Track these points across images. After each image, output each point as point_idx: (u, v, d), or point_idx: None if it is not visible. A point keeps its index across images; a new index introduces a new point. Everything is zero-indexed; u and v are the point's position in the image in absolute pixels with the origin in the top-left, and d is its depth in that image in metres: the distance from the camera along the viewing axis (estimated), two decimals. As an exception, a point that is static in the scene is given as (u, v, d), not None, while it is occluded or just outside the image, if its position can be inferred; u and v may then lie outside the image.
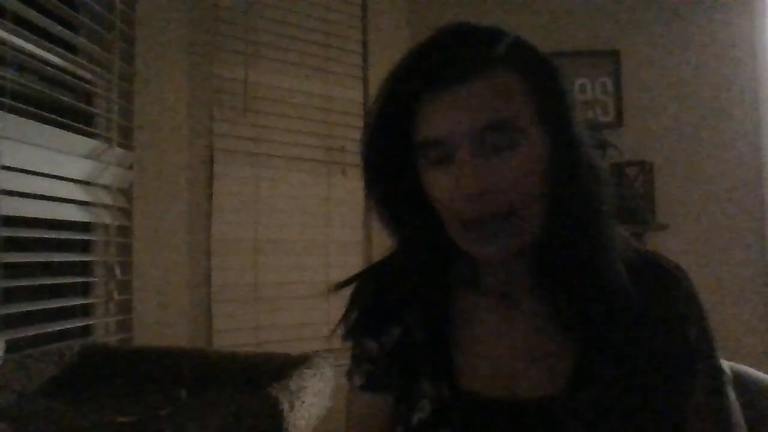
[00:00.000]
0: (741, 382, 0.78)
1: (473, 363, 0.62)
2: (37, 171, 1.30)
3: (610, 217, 0.60)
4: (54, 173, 1.34)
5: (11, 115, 1.21)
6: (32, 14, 1.27)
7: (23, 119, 1.25)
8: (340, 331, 0.71)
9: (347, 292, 0.73)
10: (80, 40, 1.48)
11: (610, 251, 0.59)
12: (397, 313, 0.67)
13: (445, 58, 0.56)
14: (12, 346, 1.19)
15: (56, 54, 1.38)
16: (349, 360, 0.72)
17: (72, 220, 1.43)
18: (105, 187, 1.53)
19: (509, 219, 0.56)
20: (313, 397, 1.07)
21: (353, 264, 2.15)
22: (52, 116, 1.33)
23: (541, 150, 0.57)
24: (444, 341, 0.64)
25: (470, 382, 0.61)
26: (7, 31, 1.22)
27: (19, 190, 1.25)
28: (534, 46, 0.60)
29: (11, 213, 1.22)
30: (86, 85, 1.52)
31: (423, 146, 0.59)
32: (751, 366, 0.83)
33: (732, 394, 0.61)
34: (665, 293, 0.61)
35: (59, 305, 1.37)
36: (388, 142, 0.62)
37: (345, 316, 0.71)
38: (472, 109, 0.55)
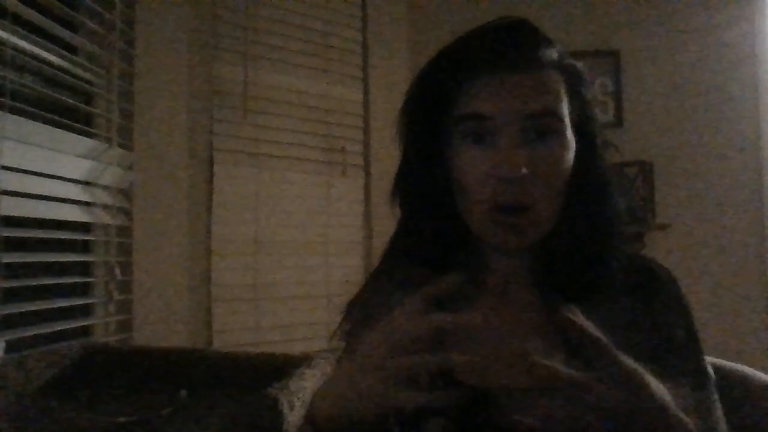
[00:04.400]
0: (740, 382, 0.78)
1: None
2: (37, 171, 1.30)
3: (620, 227, 0.63)
4: (54, 173, 1.34)
5: (11, 115, 1.21)
6: (32, 14, 1.27)
7: (23, 119, 1.25)
8: (338, 333, 0.71)
9: (347, 293, 0.73)
10: (80, 40, 1.48)
11: (612, 260, 0.62)
12: (394, 307, 0.68)
13: (508, 45, 0.58)
14: (12, 346, 1.19)
15: (56, 54, 1.38)
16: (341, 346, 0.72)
17: (72, 220, 1.43)
18: (105, 187, 1.53)
19: (530, 211, 0.58)
20: (313, 397, 1.07)
21: (353, 264, 2.15)
22: (52, 116, 1.33)
23: (571, 149, 0.60)
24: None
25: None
26: (7, 31, 1.22)
27: (19, 190, 1.25)
28: (573, 60, 0.64)
29: (11, 213, 1.22)
30: (86, 85, 1.52)
31: (466, 121, 0.59)
32: (751, 366, 0.83)
33: (715, 395, 0.63)
34: (654, 296, 0.63)
35: (59, 305, 1.37)
36: (426, 116, 0.62)
37: (344, 320, 0.71)
38: (526, 94, 0.57)
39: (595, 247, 0.61)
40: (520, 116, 0.57)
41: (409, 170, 0.66)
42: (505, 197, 0.57)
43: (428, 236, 0.65)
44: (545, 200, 0.58)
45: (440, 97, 0.61)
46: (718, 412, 0.62)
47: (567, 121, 0.60)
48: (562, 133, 0.59)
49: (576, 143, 0.61)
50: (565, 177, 0.60)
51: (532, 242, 0.60)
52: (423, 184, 0.64)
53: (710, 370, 0.63)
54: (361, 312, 0.71)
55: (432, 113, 0.62)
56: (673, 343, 0.62)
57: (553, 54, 0.60)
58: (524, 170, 0.55)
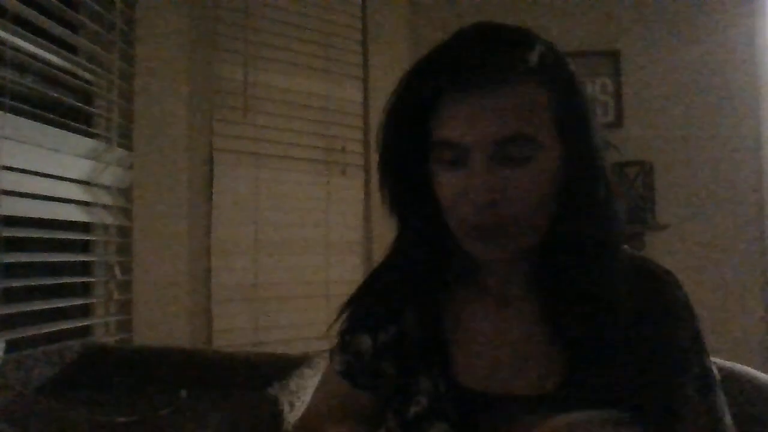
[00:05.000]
0: (740, 381, 0.78)
1: (469, 360, 0.63)
2: (37, 171, 1.30)
3: (619, 231, 0.62)
4: (54, 173, 1.34)
5: (11, 115, 1.21)
6: (32, 14, 1.27)
7: (23, 119, 1.25)
8: (336, 331, 0.72)
9: (347, 293, 0.73)
10: (80, 40, 1.48)
11: (612, 263, 0.61)
12: (395, 311, 0.68)
13: (476, 61, 0.55)
14: (12, 346, 1.19)
15: (56, 54, 1.38)
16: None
17: (72, 220, 1.43)
18: (105, 187, 1.53)
19: (511, 227, 0.57)
20: (313, 397, 1.07)
21: (353, 264, 2.15)
22: (52, 116, 1.33)
23: (554, 164, 0.58)
24: (441, 338, 0.65)
25: (466, 378, 0.62)
26: (7, 31, 1.22)
27: (19, 190, 1.25)
28: (562, 54, 0.60)
29: (11, 213, 1.22)
30: (86, 85, 1.52)
31: (439, 146, 0.59)
32: (751, 366, 0.83)
33: (722, 397, 0.62)
34: (656, 298, 0.62)
35: (59, 305, 1.37)
36: (404, 135, 0.62)
37: (341, 317, 0.71)
38: (496, 118, 0.54)
39: (592, 251, 0.60)
40: (489, 141, 0.55)
41: (395, 184, 0.65)
42: (478, 219, 0.57)
43: (423, 245, 0.65)
44: (525, 215, 0.57)
45: (415, 118, 0.60)
46: (728, 415, 0.61)
47: (546, 135, 0.56)
48: (537, 151, 0.56)
49: (568, 146, 0.58)
50: (546, 190, 0.57)
51: (517, 253, 0.60)
52: (411, 199, 0.64)
53: (716, 371, 0.63)
54: (356, 312, 0.71)
55: (409, 133, 0.61)
56: (678, 345, 0.61)
57: (532, 58, 0.56)
58: (491, 195, 0.55)
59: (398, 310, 0.67)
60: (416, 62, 0.61)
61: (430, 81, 0.57)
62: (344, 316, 0.71)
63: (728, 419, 0.61)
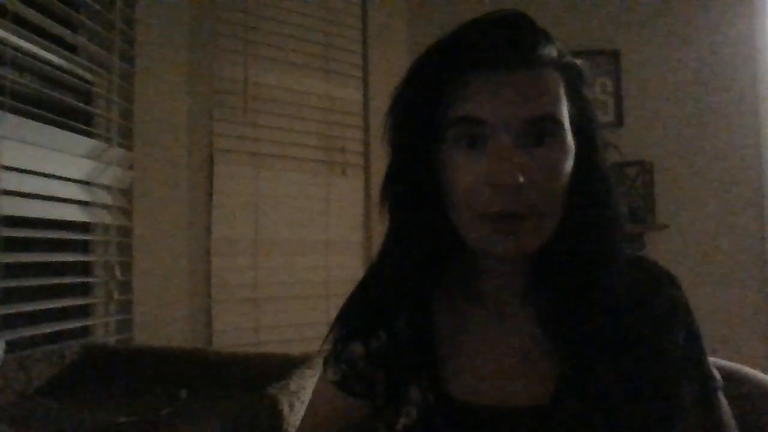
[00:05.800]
0: (740, 382, 0.78)
1: (461, 370, 0.61)
2: (37, 171, 1.30)
3: (622, 232, 0.60)
4: (54, 173, 1.34)
5: (11, 115, 1.21)
6: (32, 14, 1.27)
7: (23, 119, 1.25)
8: (330, 338, 0.70)
9: (347, 293, 0.72)
10: (80, 40, 1.48)
11: (614, 267, 0.58)
12: (386, 318, 0.65)
13: (505, 41, 0.53)
14: (12, 346, 1.19)
15: (56, 54, 1.38)
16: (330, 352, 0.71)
17: (72, 220, 1.43)
18: (105, 187, 1.53)
19: (529, 219, 0.54)
20: (313, 397, 1.07)
21: (353, 264, 2.15)
22: (52, 116, 1.33)
23: (571, 152, 0.56)
24: (432, 347, 0.63)
25: (457, 389, 0.60)
26: (7, 31, 1.22)
27: (19, 190, 1.25)
28: (573, 58, 0.59)
29: (11, 213, 1.22)
30: (86, 85, 1.52)
31: (458, 124, 0.54)
32: (751, 366, 0.83)
33: (723, 400, 0.61)
34: (655, 299, 0.60)
35: (59, 305, 1.37)
36: (416, 118, 0.58)
37: (334, 328, 0.69)
38: (525, 97, 0.53)
39: (596, 253, 0.58)
40: (516, 121, 0.52)
41: (397, 175, 0.61)
42: (500, 205, 0.53)
43: (418, 246, 0.61)
44: (545, 207, 0.54)
45: (431, 96, 0.55)
46: (730, 420, 0.60)
47: (566, 123, 0.55)
48: (561, 137, 0.54)
49: (576, 145, 0.57)
50: (565, 181, 0.55)
51: (531, 251, 0.56)
52: (411, 190, 0.59)
53: (716, 374, 0.61)
54: (348, 319, 0.69)
55: (422, 114, 0.57)
56: (674, 349, 0.59)
57: (552, 51, 0.55)
58: (521, 178, 0.51)
59: (390, 316, 0.65)
60: (439, 39, 0.57)
61: (454, 57, 0.54)
62: (337, 324, 0.69)
63: (731, 424, 0.60)
